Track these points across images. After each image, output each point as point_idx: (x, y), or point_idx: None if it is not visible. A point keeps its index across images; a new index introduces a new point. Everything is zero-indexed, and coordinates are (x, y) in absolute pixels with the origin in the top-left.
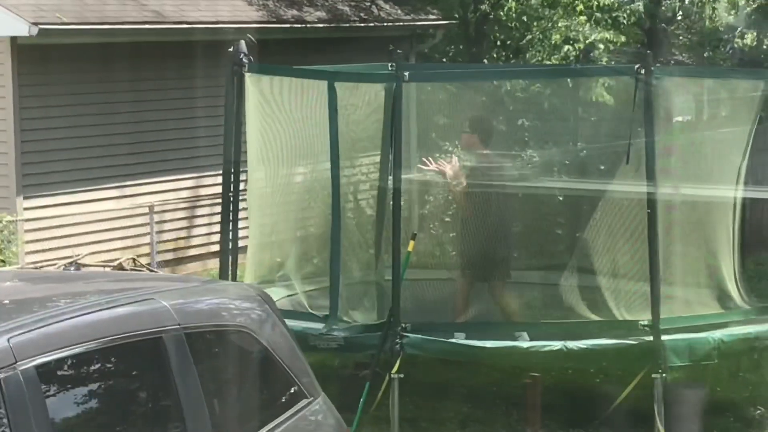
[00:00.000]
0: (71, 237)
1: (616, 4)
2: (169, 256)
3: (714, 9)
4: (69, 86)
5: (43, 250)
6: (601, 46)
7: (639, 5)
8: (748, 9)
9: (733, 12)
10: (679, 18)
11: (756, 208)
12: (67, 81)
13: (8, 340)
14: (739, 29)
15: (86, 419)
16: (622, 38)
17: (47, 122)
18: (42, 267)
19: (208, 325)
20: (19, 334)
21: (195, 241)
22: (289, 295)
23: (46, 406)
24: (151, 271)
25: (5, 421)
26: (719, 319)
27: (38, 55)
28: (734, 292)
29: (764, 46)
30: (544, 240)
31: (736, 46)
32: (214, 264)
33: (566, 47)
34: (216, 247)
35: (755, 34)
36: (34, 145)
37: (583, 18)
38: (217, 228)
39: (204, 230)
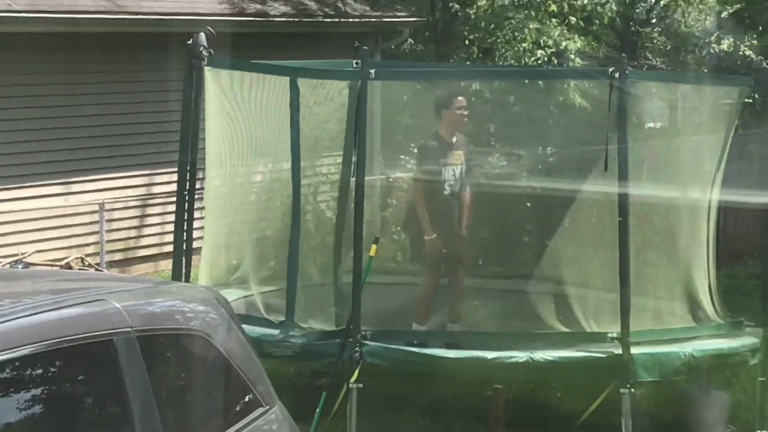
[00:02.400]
0: (17, 234)
1: (589, 6)
2: (119, 256)
3: (689, 13)
4: (16, 77)
5: None
6: (572, 48)
7: (612, 5)
8: (724, 14)
9: (708, 17)
10: (654, 21)
11: (730, 219)
12: (14, 71)
13: None
14: (715, 34)
15: (31, 424)
16: (594, 44)
17: None
18: None
19: (162, 328)
20: None
21: (146, 241)
22: (244, 297)
23: None
24: (100, 270)
25: None
26: (690, 333)
27: None
28: (707, 304)
29: (740, 52)
30: (510, 247)
31: (712, 51)
32: (166, 265)
33: (538, 51)
34: (168, 248)
35: (732, 39)
36: None
37: (555, 21)
38: (170, 228)
39: (156, 230)
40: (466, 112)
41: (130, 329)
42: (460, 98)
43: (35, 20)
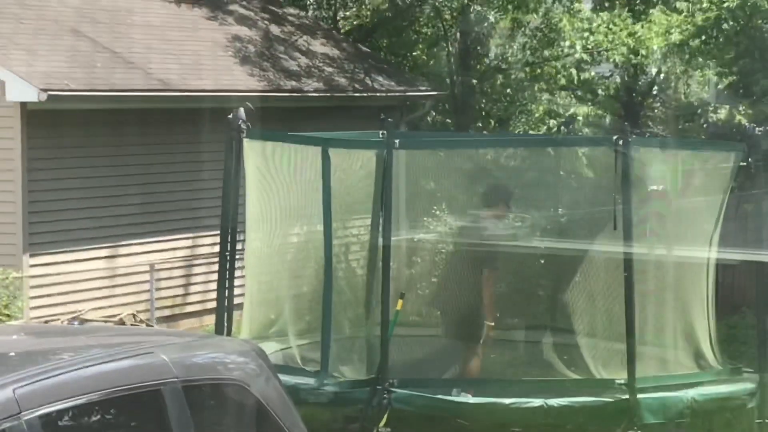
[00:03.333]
0: (75, 293)
1: (596, 79)
2: (167, 312)
3: (688, 85)
4: (75, 150)
5: (48, 306)
6: (580, 118)
7: (617, 78)
8: (721, 86)
9: (706, 88)
10: (655, 92)
11: (728, 273)
12: (73, 145)
13: (13, 391)
14: (712, 104)
15: None
16: (599, 111)
17: (54, 183)
18: (46, 321)
19: (205, 379)
20: (24, 385)
21: (192, 298)
22: (282, 349)
23: None
24: (150, 326)
25: None
26: (693, 379)
27: (47, 120)
28: (708, 352)
29: (736, 120)
30: (525, 301)
31: (709, 119)
32: (210, 320)
33: (550, 121)
34: (212, 304)
35: (728, 108)
36: (41, 206)
37: (564, 93)
38: (214, 286)
39: (201, 287)
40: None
41: (176, 379)
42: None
43: (89, 98)
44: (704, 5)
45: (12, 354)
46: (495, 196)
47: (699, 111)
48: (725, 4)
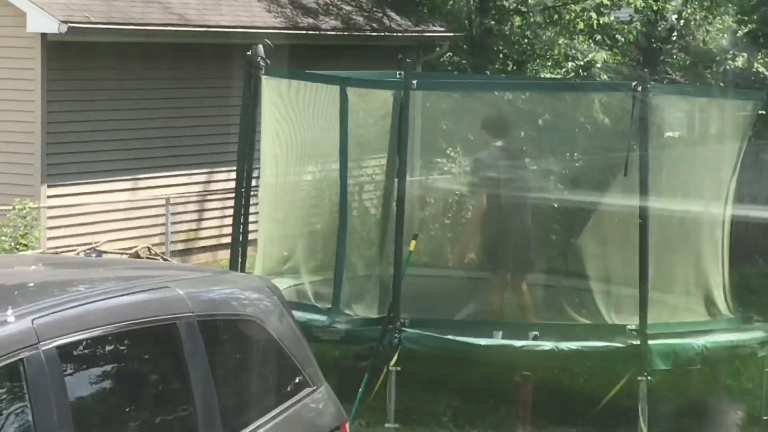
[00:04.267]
0: (91, 225)
1: (615, 23)
2: (182, 246)
3: (707, 32)
4: (94, 82)
5: (64, 237)
6: (599, 64)
7: (636, 24)
8: (740, 33)
9: (725, 35)
10: (674, 39)
11: (741, 222)
12: (92, 77)
13: (32, 321)
14: (731, 52)
15: (102, 398)
16: (618, 57)
17: (72, 115)
18: (62, 252)
19: (220, 314)
20: (42, 316)
21: (206, 233)
22: (294, 286)
23: (65, 384)
24: (165, 259)
25: (27, 396)
26: (704, 327)
27: (66, 52)
28: (720, 300)
29: (754, 69)
30: (539, 245)
31: (728, 67)
32: (224, 255)
33: (568, 65)
34: (227, 240)
35: (746, 56)
36: (59, 137)
37: (582, 37)
38: (228, 221)
39: (215, 222)
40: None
41: (191, 314)
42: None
43: (109, 31)
44: None
45: (30, 284)
46: (486, 123)
47: (718, 58)
48: None
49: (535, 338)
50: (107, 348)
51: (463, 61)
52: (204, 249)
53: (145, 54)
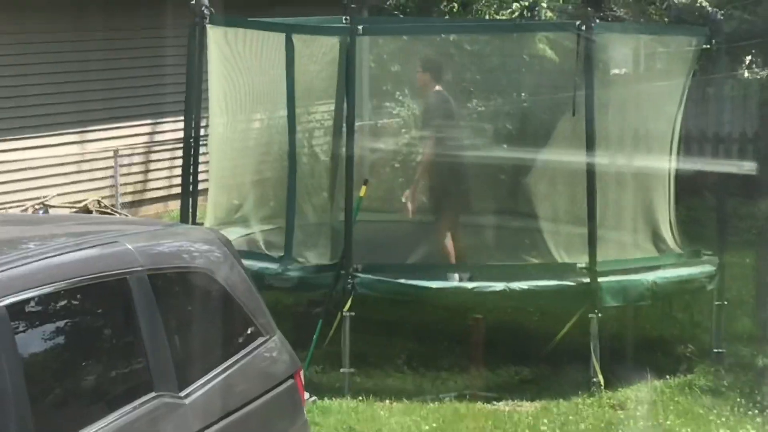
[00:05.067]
0: (38, 179)
1: None
2: (132, 198)
3: None
4: (37, 35)
5: (12, 192)
6: (545, 3)
7: None
8: None
9: None
10: None
11: (688, 155)
12: (35, 30)
13: None
14: None
15: (54, 356)
16: None
17: (15, 69)
18: (10, 209)
19: (170, 267)
20: None
21: (156, 184)
22: (246, 235)
23: (16, 343)
24: (116, 212)
25: None
26: (653, 263)
27: (8, 4)
28: (668, 236)
29: (697, 4)
30: (488, 185)
31: (672, 3)
32: (174, 205)
33: (513, 4)
34: (177, 190)
35: None
36: (2, 91)
37: None
38: (178, 171)
39: (165, 174)
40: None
41: (141, 268)
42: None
43: None
44: None
45: None
46: (427, 64)
47: None
48: None
49: (468, 279)
50: (58, 305)
51: (410, 4)
52: (155, 200)
53: (89, 4)
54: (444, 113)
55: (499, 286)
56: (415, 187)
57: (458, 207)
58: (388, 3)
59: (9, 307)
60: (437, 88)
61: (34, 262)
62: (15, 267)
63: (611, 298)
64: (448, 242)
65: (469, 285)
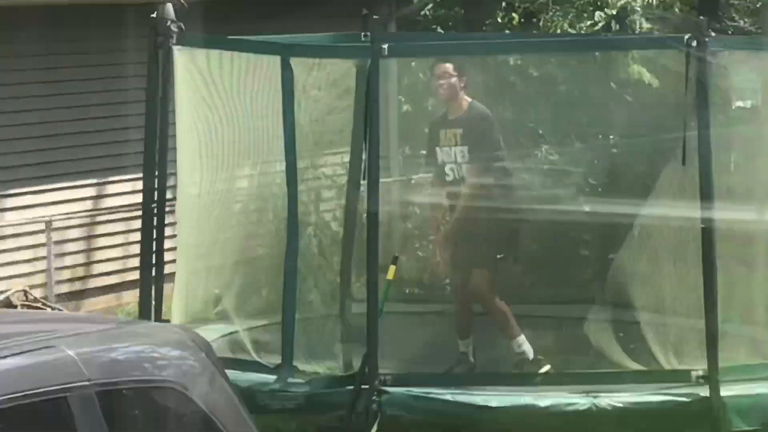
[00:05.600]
0: None
1: None
2: (72, 286)
3: None
4: None
5: None
6: (639, 9)
7: None
8: None
9: None
10: None
11: None
12: None
13: None
14: None
15: None
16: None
17: None
18: None
19: (127, 381)
20: None
21: (106, 267)
22: (229, 334)
23: None
24: (48, 307)
25: None
26: None
27: None
28: None
29: None
30: (564, 264)
31: None
32: (131, 297)
33: (596, 13)
34: (134, 275)
35: None
36: None
37: None
38: (135, 250)
39: (118, 252)
40: (442, 81)
41: (87, 383)
42: (440, 65)
43: None
44: None
45: None
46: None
47: None
48: None
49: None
50: None
51: (452, 12)
52: (103, 289)
53: (23, 22)
54: (493, 137)
55: (583, 402)
56: (450, 231)
57: (515, 293)
58: (423, 13)
59: None
60: (469, 99)
61: None
62: None
63: (740, 418)
64: (498, 301)
65: (542, 403)
